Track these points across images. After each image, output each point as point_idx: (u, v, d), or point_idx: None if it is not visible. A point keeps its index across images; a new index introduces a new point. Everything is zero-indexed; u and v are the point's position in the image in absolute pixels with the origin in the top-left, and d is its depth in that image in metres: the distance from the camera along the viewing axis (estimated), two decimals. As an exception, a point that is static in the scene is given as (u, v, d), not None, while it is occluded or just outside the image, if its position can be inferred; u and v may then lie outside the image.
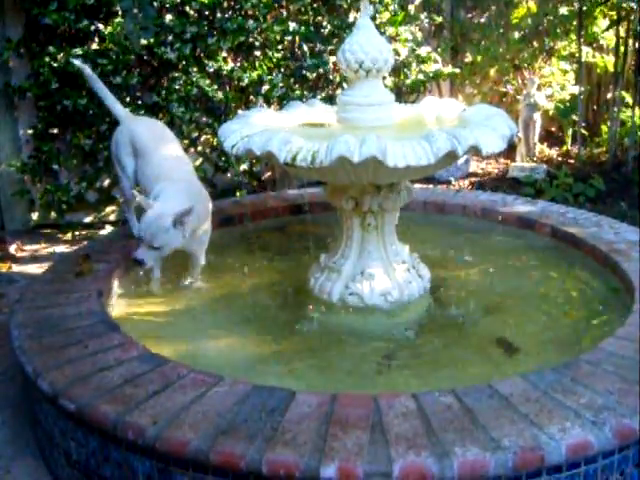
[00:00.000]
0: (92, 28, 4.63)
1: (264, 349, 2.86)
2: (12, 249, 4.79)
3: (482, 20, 6.84)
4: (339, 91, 5.31)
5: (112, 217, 5.24)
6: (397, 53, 5.37)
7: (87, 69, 3.65)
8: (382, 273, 3.08)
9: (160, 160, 3.33)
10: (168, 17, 4.76)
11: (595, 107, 7.02)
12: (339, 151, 2.53)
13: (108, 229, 5.02)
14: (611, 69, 6.48)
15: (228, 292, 3.37)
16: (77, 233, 5.02)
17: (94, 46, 4.67)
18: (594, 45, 6.64)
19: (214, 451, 1.99)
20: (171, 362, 2.47)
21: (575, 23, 6.30)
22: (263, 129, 2.90)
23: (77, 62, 3.73)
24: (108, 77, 4.66)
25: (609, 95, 6.68)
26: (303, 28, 5.07)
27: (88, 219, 5.11)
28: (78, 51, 4.58)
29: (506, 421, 2.05)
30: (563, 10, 6.40)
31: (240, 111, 4.91)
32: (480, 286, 3.39)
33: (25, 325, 2.80)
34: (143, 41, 4.67)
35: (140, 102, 4.89)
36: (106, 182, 5.14)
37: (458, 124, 2.98)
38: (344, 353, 2.84)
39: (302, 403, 2.18)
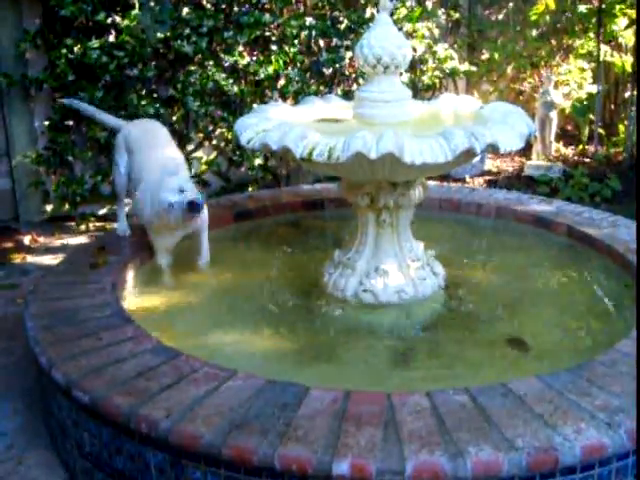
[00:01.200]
0: (109, 20, 4.63)
1: (278, 344, 2.86)
2: (26, 240, 4.81)
3: (500, 17, 6.80)
4: (355, 86, 5.30)
5: (126, 209, 5.24)
6: (414, 49, 5.34)
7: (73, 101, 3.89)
8: (396, 270, 3.07)
9: (149, 155, 3.43)
10: (185, 10, 4.75)
11: (612, 106, 6.97)
12: (356, 147, 2.52)
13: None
14: (629, 69, 6.43)
15: (242, 287, 3.37)
16: (91, 225, 5.03)
17: (111, 38, 4.67)
18: (612, 44, 6.59)
19: (227, 445, 1.99)
20: (184, 355, 2.47)
21: (594, 21, 6.25)
22: (279, 124, 2.89)
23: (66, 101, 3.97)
24: (124, 70, 4.67)
25: (627, 94, 6.63)
26: (320, 23, 5.05)
27: (102, 211, 5.12)
28: (95, 43, 4.58)
29: (520, 421, 2.04)
30: (582, 8, 6.34)
31: (256, 105, 4.91)
32: (495, 284, 3.38)
33: (39, 316, 2.81)
34: (159, 34, 4.70)
35: (156, 95, 4.90)
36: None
37: (475, 121, 2.97)
38: (358, 350, 2.84)
39: (315, 399, 2.17)
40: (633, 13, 6.06)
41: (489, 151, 2.74)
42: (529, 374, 2.33)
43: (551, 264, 3.62)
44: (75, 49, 4.61)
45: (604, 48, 6.34)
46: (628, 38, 6.43)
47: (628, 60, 6.43)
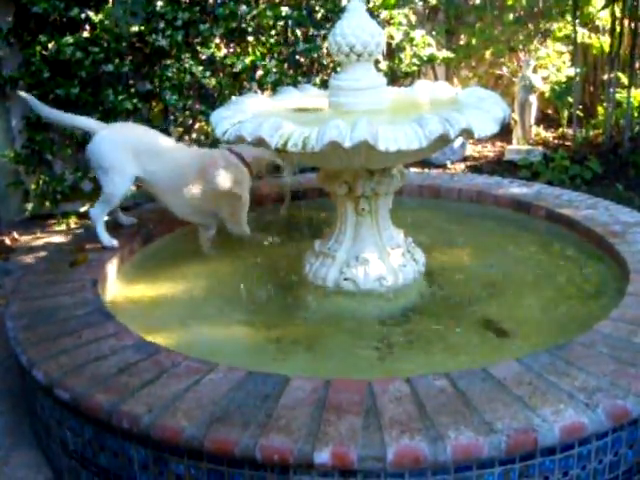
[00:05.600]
0: (83, 16, 4.59)
1: (259, 335, 2.86)
2: (7, 240, 4.78)
3: (477, 2, 6.79)
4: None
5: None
6: (391, 37, 5.34)
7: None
8: (376, 258, 3.07)
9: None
10: (159, 4, 4.72)
11: (591, 89, 6.99)
12: (330, 136, 2.51)
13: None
14: (607, 50, 6.44)
15: (223, 278, 3.37)
16: (72, 222, 5.01)
17: (85, 34, 4.63)
18: (589, 26, 6.60)
19: (208, 438, 1.99)
20: (165, 350, 2.47)
21: (570, 4, 6.25)
22: (254, 115, 2.89)
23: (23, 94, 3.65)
24: (100, 65, 4.63)
25: (605, 76, 6.65)
26: (296, 13, 5.03)
27: (83, 209, 5.09)
28: (69, 39, 4.55)
29: (499, 404, 2.05)
30: (558, -9, 6.36)
31: (234, 97, 4.89)
32: (475, 270, 3.39)
33: (20, 316, 2.80)
34: (134, 28, 4.67)
35: (133, 90, 4.87)
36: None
37: (451, 107, 2.97)
38: (339, 338, 2.85)
39: (296, 389, 2.18)
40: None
41: (465, 137, 2.73)
42: (509, 357, 2.35)
43: (531, 247, 3.63)
44: (49, 46, 4.57)
45: (581, 31, 6.35)
46: (605, 19, 6.45)
47: (606, 41, 6.44)
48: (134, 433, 2.12)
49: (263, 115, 2.87)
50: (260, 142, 2.65)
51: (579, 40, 6.25)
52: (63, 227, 4.99)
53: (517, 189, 4.14)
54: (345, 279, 3.05)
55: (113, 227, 3.60)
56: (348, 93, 2.97)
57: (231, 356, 2.62)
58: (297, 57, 5.17)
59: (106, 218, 3.50)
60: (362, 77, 2.98)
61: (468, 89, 3.25)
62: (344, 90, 2.98)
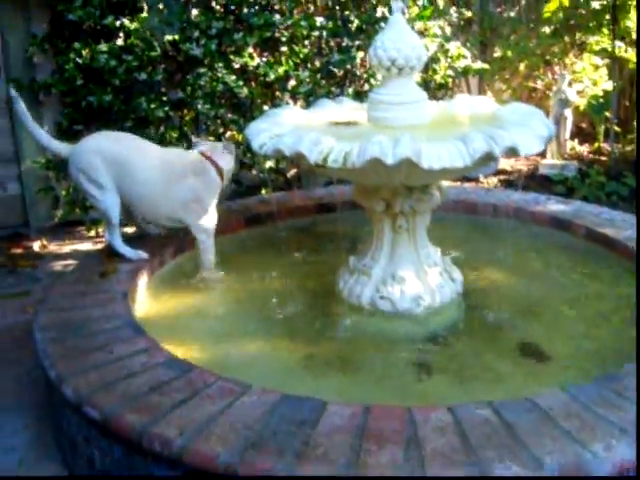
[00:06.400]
0: (117, 24, 4.56)
1: (293, 355, 2.78)
2: (36, 246, 4.76)
3: (512, 14, 6.70)
4: (367, 87, 5.21)
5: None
6: (426, 48, 5.24)
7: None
8: (414, 277, 2.99)
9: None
10: (194, 12, 4.69)
11: (627, 103, 6.86)
12: (372, 152, 2.44)
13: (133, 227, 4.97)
14: (644, 64, 6.31)
15: (255, 294, 3.30)
16: (101, 230, 4.97)
17: (119, 42, 4.61)
18: (627, 40, 6.48)
19: (243, 465, 1.92)
20: (198, 369, 2.40)
21: (607, 17, 6.14)
22: (292, 128, 2.82)
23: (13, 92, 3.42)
24: (133, 73, 4.60)
25: (641, 90, 6.52)
26: (331, 23, 4.97)
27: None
28: (103, 47, 4.52)
29: (547, 437, 1.96)
30: (595, 4, 6.24)
31: (266, 107, 4.85)
32: (514, 289, 3.30)
33: (49, 328, 2.76)
34: (168, 37, 4.63)
35: (165, 98, 4.83)
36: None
37: (493, 123, 2.88)
38: (376, 360, 2.77)
39: (334, 414, 2.10)
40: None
41: (509, 154, 2.65)
42: (551, 384, 2.27)
43: (570, 267, 3.53)
44: (83, 53, 4.54)
45: (618, 44, 6.23)
46: (643, 33, 6.32)
47: (643, 56, 6.32)
48: (165, 456, 2.05)
49: (301, 128, 2.80)
50: (299, 157, 2.59)
51: (612, 53, 6.13)
52: (92, 234, 4.96)
53: (555, 206, 4.04)
54: (381, 298, 2.97)
55: (142, 237, 3.55)
56: (388, 107, 2.90)
57: (264, 375, 2.57)
58: (331, 68, 5.09)
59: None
60: (403, 91, 2.91)
61: (510, 105, 3.17)
62: (384, 104, 2.91)
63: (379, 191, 2.91)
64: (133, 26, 4.53)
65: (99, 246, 4.54)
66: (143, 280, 3.27)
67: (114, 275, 3.20)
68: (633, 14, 6.20)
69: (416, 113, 2.92)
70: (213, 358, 2.68)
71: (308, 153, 2.55)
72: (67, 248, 4.77)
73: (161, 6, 4.58)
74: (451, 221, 3.95)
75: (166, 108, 4.72)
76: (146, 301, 3.19)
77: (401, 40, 2.85)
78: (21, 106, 3.32)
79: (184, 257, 3.58)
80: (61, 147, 3.39)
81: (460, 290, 3.11)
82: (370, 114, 2.99)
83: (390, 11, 3.03)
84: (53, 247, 4.80)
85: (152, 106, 4.66)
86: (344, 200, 4.02)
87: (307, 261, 3.65)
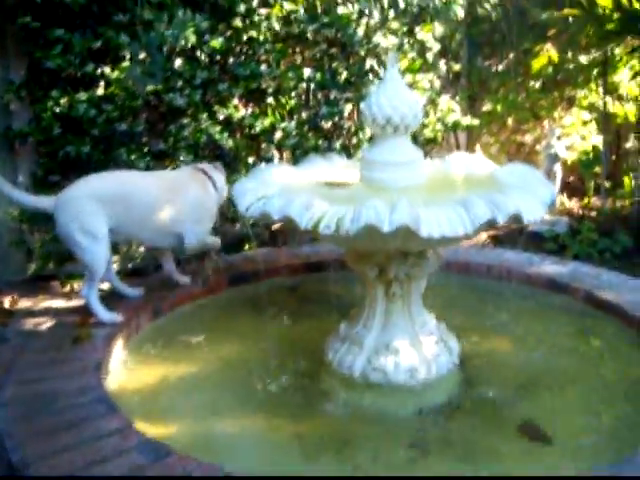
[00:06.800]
0: (98, 72, 4.41)
1: (279, 432, 2.58)
2: (6, 302, 4.52)
3: (500, 68, 6.66)
4: (354, 140, 5.08)
5: (115, 267, 4.97)
6: (415, 102, 5.16)
7: None
8: (408, 346, 2.81)
9: None
10: (178, 62, 4.55)
11: (614, 157, 6.80)
12: (367, 219, 2.28)
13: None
14: (632, 119, 6.27)
15: (240, 364, 3.08)
16: (76, 285, 4.75)
17: (99, 91, 4.45)
18: (614, 95, 6.45)
19: None
20: (176, 455, 2.18)
21: (595, 72, 6.11)
22: (281, 189, 2.66)
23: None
24: (113, 123, 4.44)
25: (628, 144, 6.47)
26: (318, 75, 4.86)
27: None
28: (83, 96, 4.35)
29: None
30: (583, 59, 6.22)
31: (251, 159, 4.70)
32: (512, 360, 3.13)
33: (14, 403, 2.53)
34: (151, 86, 4.48)
35: (146, 150, 4.66)
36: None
37: (492, 186, 2.74)
38: (368, 436, 2.58)
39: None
40: (636, 64, 5.94)
41: (511, 221, 2.49)
42: (552, 467, 2.10)
43: (570, 335, 3.37)
44: (61, 101, 4.37)
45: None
46: (630, 88, 6.30)
47: (631, 110, 6.28)
48: None
49: (290, 189, 2.64)
50: (288, 221, 2.42)
51: (604, 108, 6.08)
52: (67, 289, 4.73)
53: (550, 267, 3.90)
54: (374, 369, 2.78)
55: (118, 299, 3.36)
56: (383, 168, 2.74)
57: (251, 458, 2.37)
58: (318, 120, 4.96)
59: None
60: (398, 151, 2.77)
61: (508, 166, 3.04)
62: (378, 164, 2.76)
63: (372, 256, 2.74)
64: (114, 75, 4.38)
65: (73, 302, 4.31)
66: (118, 347, 3.06)
67: (87, 341, 2.99)
68: (621, 69, 6.19)
69: (412, 174, 2.77)
70: (193, 439, 2.47)
71: (298, 218, 2.38)
72: (40, 305, 4.53)
73: (143, 55, 4.44)
74: (443, 282, 3.77)
75: (147, 159, 4.55)
76: (121, 371, 2.97)
77: (397, 97, 2.71)
78: None
79: (161, 322, 3.38)
80: (45, 201, 3.25)
81: (457, 361, 2.92)
82: (363, 174, 2.83)
83: (380, 63, 2.90)
84: (25, 303, 4.56)
85: (132, 157, 4.48)
86: (333, 258, 3.85)
87: (295, 326, 3.47)
